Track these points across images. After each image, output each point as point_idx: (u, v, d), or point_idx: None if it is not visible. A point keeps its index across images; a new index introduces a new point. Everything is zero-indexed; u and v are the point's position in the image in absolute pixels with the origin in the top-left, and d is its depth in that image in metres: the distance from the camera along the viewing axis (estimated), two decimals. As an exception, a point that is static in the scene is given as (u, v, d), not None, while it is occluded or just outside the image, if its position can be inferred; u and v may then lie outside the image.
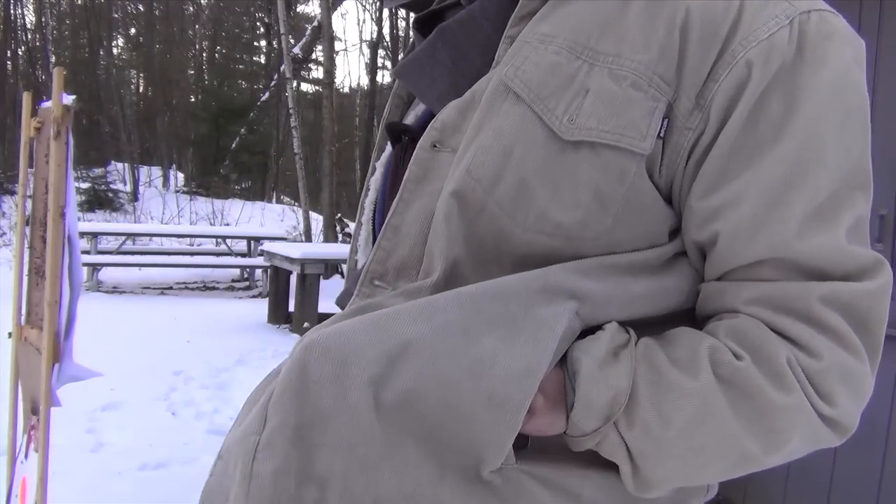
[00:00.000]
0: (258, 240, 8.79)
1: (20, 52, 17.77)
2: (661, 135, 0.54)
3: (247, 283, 8.95)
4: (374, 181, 0.74)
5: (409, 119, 0.75)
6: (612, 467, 0.57)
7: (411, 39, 0.81)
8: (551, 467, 0.56)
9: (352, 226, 0.83)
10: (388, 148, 0.74)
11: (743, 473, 0.56)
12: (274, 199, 16.77)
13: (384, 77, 17.24)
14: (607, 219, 0.55)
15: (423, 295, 0.56)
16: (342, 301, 0.66)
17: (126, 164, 15.02)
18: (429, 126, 0.61)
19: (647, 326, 0.58)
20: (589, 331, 0.57)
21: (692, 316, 0.61)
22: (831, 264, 0.54)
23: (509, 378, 0.51)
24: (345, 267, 0.80)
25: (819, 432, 0.55)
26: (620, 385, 0.53)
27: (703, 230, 0.56)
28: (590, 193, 0.54)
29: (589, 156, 0.54)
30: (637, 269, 0.57)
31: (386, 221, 0.60)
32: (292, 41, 13.42)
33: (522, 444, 0.56)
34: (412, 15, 0.79)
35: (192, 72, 20.88)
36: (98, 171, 13.38)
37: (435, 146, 0.60)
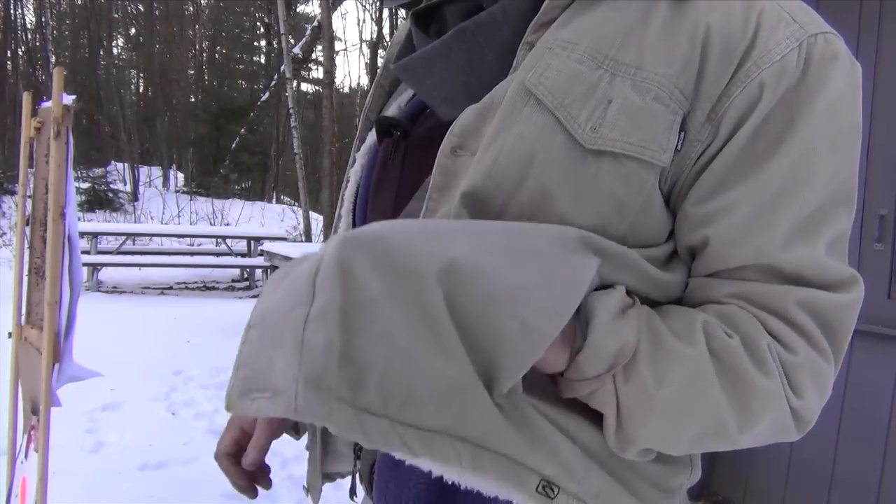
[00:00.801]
0: (258, 240, 8.79)
1: (20, 52, 17.77)
2: (679, 148, 0.57)
3: (247, 283, 8.95)
4: (354, 173, 0.74)
5: (391, 110, 0.74)
6: (595, 419, 0.59)
7: (400, 33, 0.80)
8: (552, 407, 0.58)
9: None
10: (370, 139, 0.74)
11: (713, 447, 0.59)
12: (274, 199, 16.78)
13: (384, 77, 17.14)
14: (623, 226, 0.57)
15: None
16: None
17: (126, 164, 15.02)
18: (448, 132, 0.60)
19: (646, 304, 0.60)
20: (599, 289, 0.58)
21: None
22: (811, 274, 0.57)
23: (543, 311, 0.51)
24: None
25: (785, 421, 0.58)
26: (629, 338, 0.55)
27: (694, 234, 0.59)
28: (610, 202, 0.56)
29: (610, 165, 0.55)
30: (649, 260, 0.59)
31: None
32: (292, 41, 13.42)
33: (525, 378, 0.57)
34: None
35: (192, 72, 20.89)
36: (98, 171, 13.39)
37: (455, 151, 0.60)
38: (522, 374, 0.53)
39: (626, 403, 0.56)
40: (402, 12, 0.81)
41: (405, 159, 0.68)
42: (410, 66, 0.67)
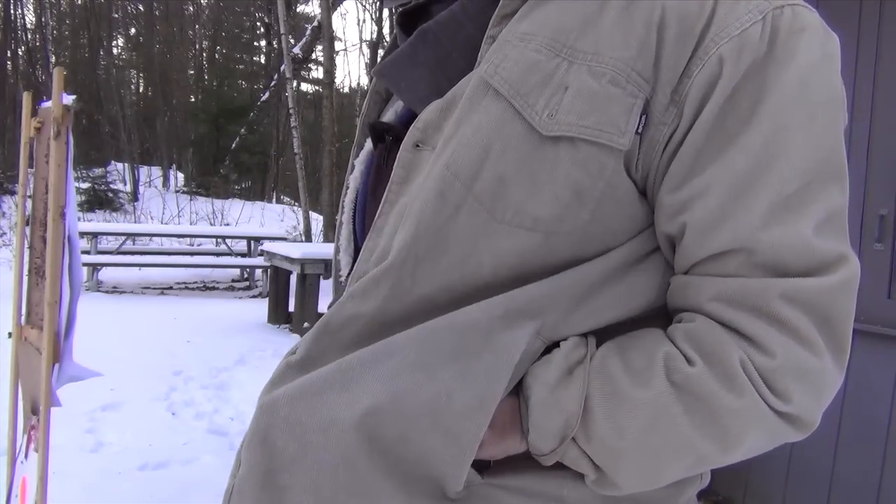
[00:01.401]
0: (258, 240, 8.79)
1: (20, 52, 17.77)
2: (639, 131, 0.55)
3: (247, 283, 8.95)
4: (354, 179, 0.74)
5: (388, 116, 0.74)
6: None
7: (393, 35, 0.81)
8: (526, 476, 0.58)
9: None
10: (368, 145, 0.74)
11: (704, 470, 0.59)
12: (274, 199, 16.77)
13: (384, 77, 17.13)
14: (584, 213, 0.55)
15: (382, 284, 0.57)
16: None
17: (126, 164, 15.02)
18: (411, 126, 0.61)
19: (620, 327, 0.59)
20: (550, 348, 0.58)
21: (665, 313, 0.62)
22: (793, 257, 0.54)
23: (464, 412, 0.54)
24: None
25: (777, 428, 0.56)
26: (571, 408, 0.55)
27: (671, 222, 0.57)
28: (568, 188, 0.55)
29: (568, 151, 0.55)
30: (607, 275, 0.57)
31: (373, 223, 0.61)
32: (292, 41, 13.42)
33: (485, 466, 0.58)
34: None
35: (192, 72, 20.88)
36: (98, 171, 13.39)
37: (417, 146, 0.61)
38: (464, 475, 0.55)
39: (597, 461, 0.56)
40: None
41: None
42: (384, 69, 0.68)
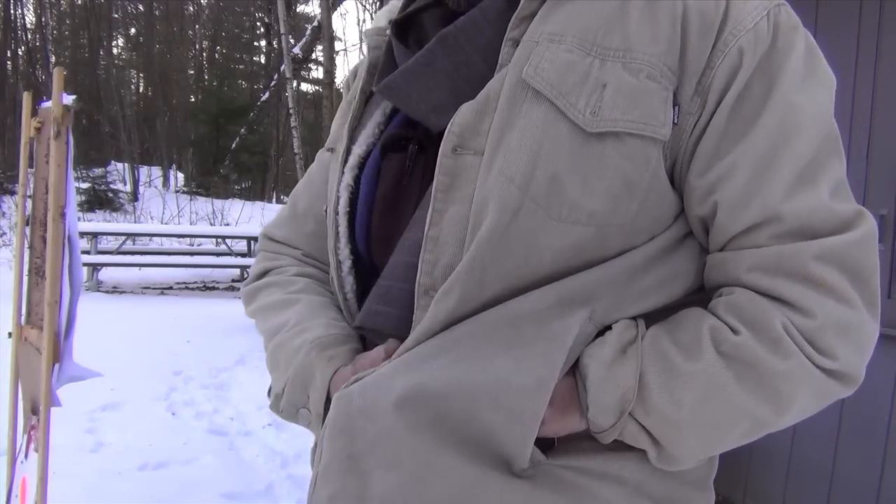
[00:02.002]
0: (258, 239, 8.77)
1: (20, 52, 17.77)
2: (676, 121, 0.59)
3: (247, 283, 8.94)
4: (346, 188, 0.72)
5: (374, 119, 0.74)
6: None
7: (365, 51, 0.81)
8: (588, 458, 0.61)
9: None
10: (357, 151, 0.73)
11: (761, 435, 0.61)
12: (274, 199, 16.76)
13: (384, 77, 17.12)
14: (634, 205, 0.59)
15: (452, 294, 0.60)
16: (371, 320, 0.67)
17: (126, 164, 15.03)
18: (446, 131, 0.61)
19: (665, 312, 0.62)
20: (607, 328, 0.61)
21: (700, 298, 0.65)
22: (818, 221, 0.58)
23: (524, 393, 0.56)
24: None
25: (825, 387, 0.58)
26: (628, 383, 0.58)
27: (703, 204, 0.61)
28: (618, 181, 0.58)
29: (615, 145, 0.58)
30: (650, 260, 0.61)
31: (425, 233, 0.61)
32: (292, 41, 13.42)
33: (549, 445, 0.61)
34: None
35: (192, 72, 20.88)
36: (98, 171, 13.39)
37: (456, 150, 0.61)
38: (528, 451, 0.57)
39: (656, 434, 0.59)
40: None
41: (425, 172, 0.67)
42: (394, 83, 0.68)
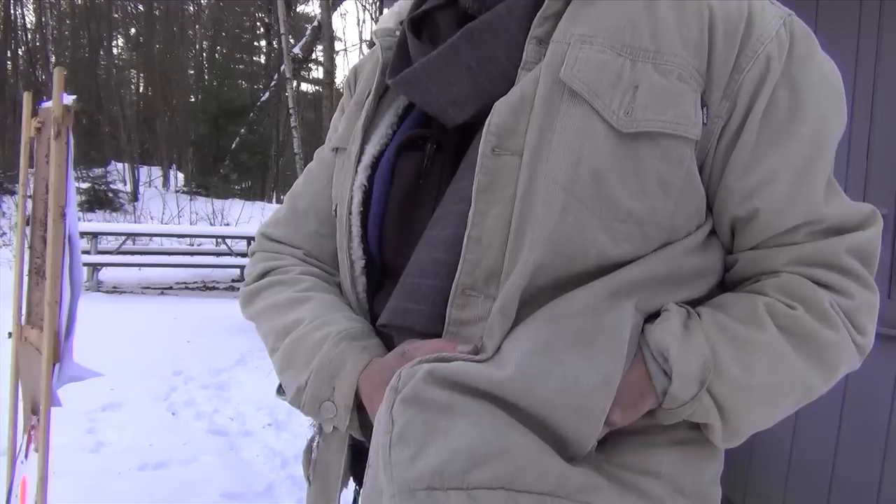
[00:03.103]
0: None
1: (20, 52, 17.77)
2: (705, 122, 0.62)
3: (247, 283, 8.94)
4: (359, 188, 0.72)
5: (387, 118, 0.74)
6: (683, 444, 0.64)
7: (365, 61, 0.80)
8: (627, 453, 0.62)
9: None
10: (371, 151, 0.73)
11: (808, 402, 0.65)
12: (274, 199, 16.76)
13: (384, 77, 17.14)
14: (669, 203, 0.61)
15: (512, 302, 0.60)
16: (401, 318, 0.65)
17: (126, 164, 15.04)
18: (484, 131, 0.61)
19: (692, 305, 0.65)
20: (651, 316, 0.63)
21: (720, 292, 0.68)
22: (848, 219, 0.64)
23: (591, 392, 0.57)
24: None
25: (854, 359, 0.65)
26: (705, 351, 0.60)
27: (742, 206, 0.64)
28: (654, 180, 0.60)
29: (649, 145, 0.59)
30: (687, 253, 0.63)
31: (467, 234, 0.61)
32: (292, 41, 13.41)
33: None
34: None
35: (192, 72, 20.88)
36: (98, 171, 13.40)
37: (494, 150, 0.61)
38: (590, 446, 0.58)
39: (727, 405, 0.61)
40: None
41: (443, 171, 0.67)
42: (413, 76, 0.67)
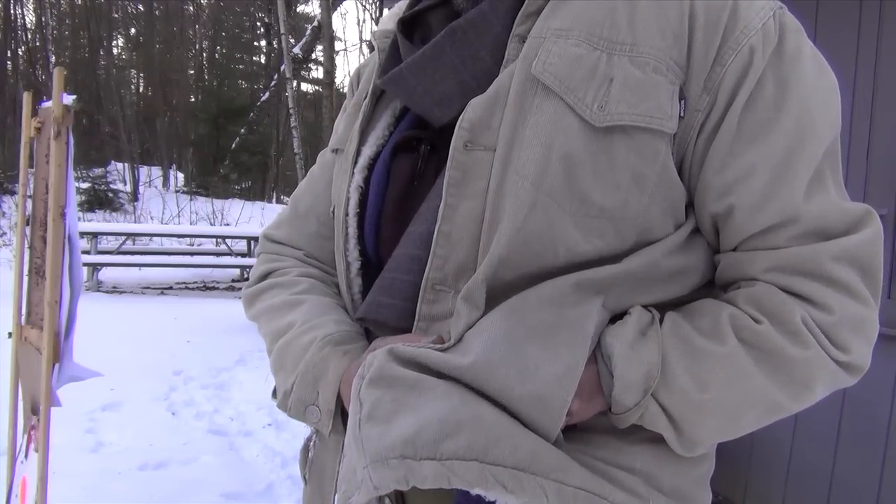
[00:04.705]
0: (258, 240, 8.77)
1: (20, 52, 17.77)
2: (682, 115, 0.60)
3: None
4: (356, 189, 0.72)
5: (384, 120, 0.74)
6: (656, 442, 0.62)
7: (367, 52, 0.80)
8: (601, 447, 0.62)
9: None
10: (367, 152, 0.73)
11: (774, 420, 0.62)
12: (274, 200, 16.76)
13: (384, 77, 17.13)
14: (644, 198, 0.59)
15: (478, 291, 0.60)
16: (374, 312, 0.66)
17: (126, 164, 15.03)
18: (457, 126, 0.61)
19: (672, 306, 0.63)
20: (616, 316, 0.62)
21: (706, 294, 0.66)
22: (833, 221, 0.60)
23: (552, 381, 0.57)
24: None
25: (836, 376, 0.61)
26: (652, 359, 0.58)
27: (719, 202, 0.61)
28: (628, 174, 0.58)
29: (623, 139, 0.58)
30: (667, 254, 0.61)
31: (437, 228, 0.61)
32: (292, 41, 13.41)
33: (571, 428, 0.62)
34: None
35: (192, 72, 20.88)
36: (98, 171, 13.39)
37: (467, 146, 0.61)
38: (553, 436, 0.57)
39: (677, 415, 0.59)
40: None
41: (437, 172, 0.67)
42: (399, 76, 0.67)
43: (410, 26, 0.72)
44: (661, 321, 0.61)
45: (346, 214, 0.73)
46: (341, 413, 0.68)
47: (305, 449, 0.80)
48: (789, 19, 0.62)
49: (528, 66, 0.60)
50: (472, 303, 0.60)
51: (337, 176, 0.78)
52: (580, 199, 0.58)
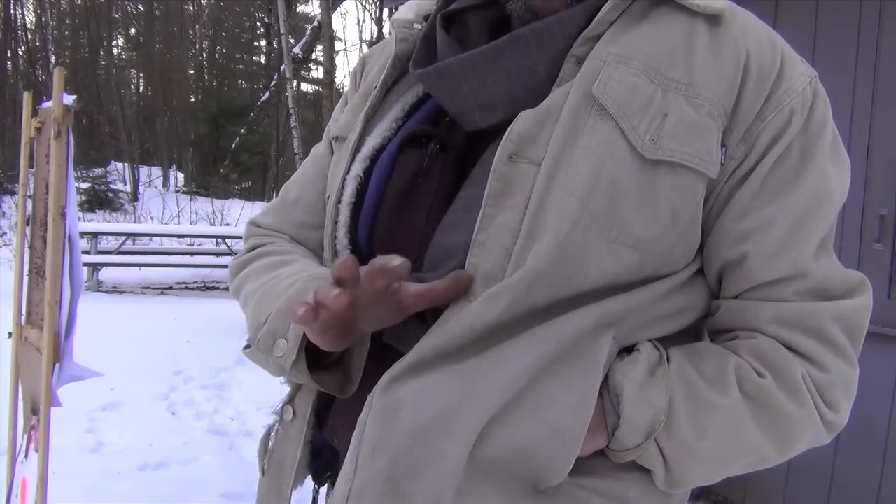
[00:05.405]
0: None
1: (20, 52, 17.77)
2: (723, 162, 0.61)
3: (247, 283, 8.93)
4: (354, 178, 0.70)
5: (394, 112, 0.72)
6: (650, 471, 0.63)
7: (388, 36, 0.79)
8: (598, 478, 0.62)
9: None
10: (371, 143, 0.71)
11: (755, 470, 0.64)
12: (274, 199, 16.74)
13: (384, 77, 17.13)
14: (674, 235, 0.60)
15: (501, 299, 0.57)
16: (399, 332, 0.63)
17: (126, 164, 15.04)
18: (503, 138, 0.60)
19: (667, 340, 0.64)
20: (623, 350, 0.63)
21: (698, 329, 0.68)
22: (835, 283, 0.62)
23: (567, 411, 0.57)
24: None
25: (819, 434, 0.63)
26: (660, 404, 0.59)
27: (733, 249, 0.63)
28: (668, 210, 0.59)
29: (668, 175, 0.59)
30: (672, 290, 0.62)
31: (473, 238, 0.59)
32: (292, 41, 13.41)
33: None
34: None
35: (192, 72, 20.89)
36: (98, 171, 13.39)
37: (511, 158, 0.60)
38: (567, 470, 0.57)
39: (671, 457, 0.60)
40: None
41: (443, 172, 0.66)
42: (446, 70, 0.65)
43: (446, 23, 0.71)
44: (668, 359, 0.62)
45: (339, 202, 0.71)
46: (314, 355, 0.64)
47: (266, 438, 0.78)
48: (821, 89, 0.65)
49: (587, 86, 0.59)
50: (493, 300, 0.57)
51: (336, 163, 0.76)
52: (620, 226, 0.58)
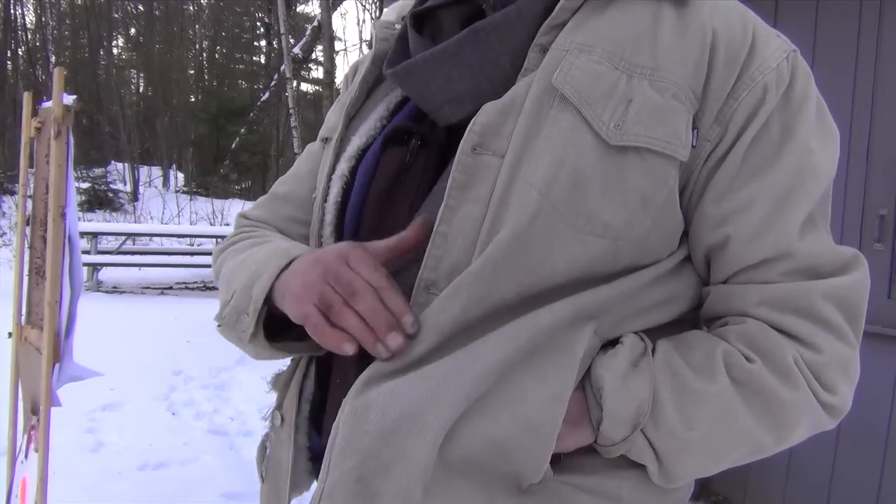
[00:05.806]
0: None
1: (20, 52, 17.77)
2: (694, 144, 0.60)
3: (247, 283, 8.92)
4: (340, 177, 0.71)
5: (378, 112, 0.73)
6: (644, 467, 0.62)
7: (373, 37, 0.79)
8: (588, 475, 0.61)
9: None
10: (356, 142, 0.71)
11: (757, 458, 0.63)
12: (274, 199, 16.72)
13: (384, 77, 17.13)
14: (647, 221, 0.59)
15: (463, 292, 0.57)
16: None
17: (126, 164, 15.04)
18: (467, 130, 0.60)
19: (657, 331, 0.63)
20: (608, 343, 0.61)
21: (694, 319, 0.66)
22: (824, 261, 0.61)
23: (541, 405, 0.56)
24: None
25: (820, 418, 0.61)
26: (643, 395, 0.58)
27: (714, 233, 0.62)
28: (636, 196, 0.58)
29: (635, 161, 0.58)
30: (656, 280, 0.61)
31: (434, 229, 0.59)
32: (292, 41, 13.41)
33: (555, 460, 0.60)
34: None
35: (192, 72, 20.88)
36: (98, 171, 13.39)
37: (475, 149, 0.60)
38: (544, 466, 0.57)
39: (662, 449, 0.59)
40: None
41: (425, 168, 0.66)
42: (413, 68, 0.66)
43: (419, 21, 0.71)
44: (653, 350, 0.61)
45: (325, 201, 0.72)
46: (277, 326, 0.65)
47: (262, 446, 0.79)
48: (801, 63, 0.63)
49: (548, 77, 0.59)
50: (456, 293, 0.57)
51: (323, 164, 0.76)
52: (587, 215, 0.57)
